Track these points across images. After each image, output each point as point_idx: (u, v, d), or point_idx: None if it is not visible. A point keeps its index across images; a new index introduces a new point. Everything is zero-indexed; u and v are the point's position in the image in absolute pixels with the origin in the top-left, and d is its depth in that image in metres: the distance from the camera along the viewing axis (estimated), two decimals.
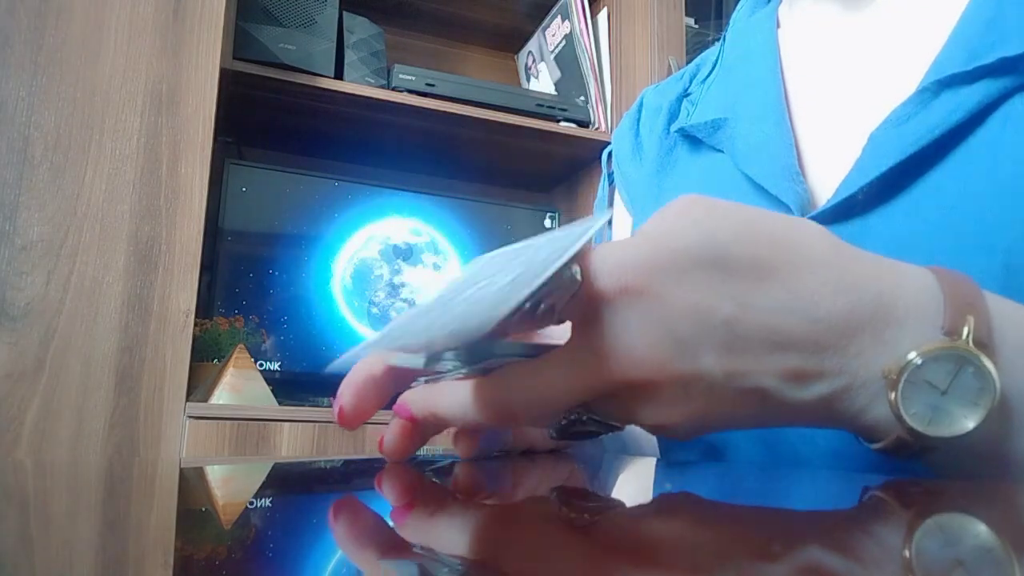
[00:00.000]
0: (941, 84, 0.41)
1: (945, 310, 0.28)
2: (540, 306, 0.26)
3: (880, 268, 0.29)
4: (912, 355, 0.27)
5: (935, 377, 0.27)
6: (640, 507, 0.26)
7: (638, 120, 0.62)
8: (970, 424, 0.27)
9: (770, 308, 0.27)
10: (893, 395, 0.27)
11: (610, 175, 0.63)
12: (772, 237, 0.28)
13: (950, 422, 0.27)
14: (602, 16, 1.81)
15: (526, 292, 0.25)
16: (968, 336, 0.27)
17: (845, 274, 0.28)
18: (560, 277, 0.26)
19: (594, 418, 0.30)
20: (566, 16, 1.78)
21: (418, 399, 0.34)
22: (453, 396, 0.31)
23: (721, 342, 0.27)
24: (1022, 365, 0.28)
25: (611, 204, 0.64)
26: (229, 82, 1.41)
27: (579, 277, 0.26)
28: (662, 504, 0.27)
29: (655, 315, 0.27)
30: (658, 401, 0.28)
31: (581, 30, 1.76)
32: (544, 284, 0.25)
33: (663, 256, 0.27)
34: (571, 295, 0.27)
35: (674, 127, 0.56)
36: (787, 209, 0.45)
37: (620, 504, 0.28)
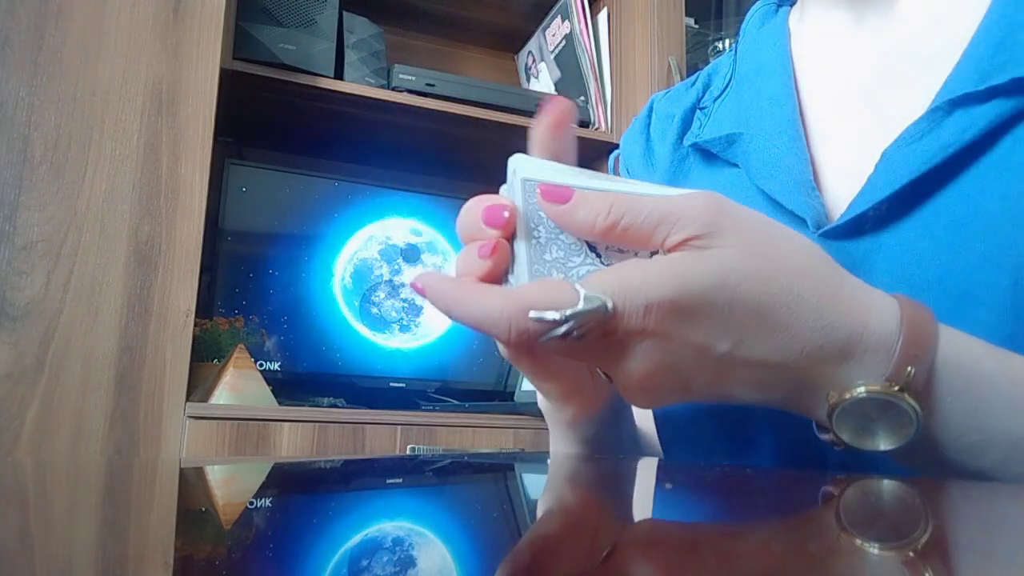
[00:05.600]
0: (953, 103, 0.41)
1: (895, 357, 0.32)
2: (573, 332, 0.30)
3: (855, 306, 0.32)
4: (857, 391, 0.32)
5: (868, 409, 0.32)
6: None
7: (648, 125, 0.62)
8: (887, 447, 0.32)
9: (758, 344, 0.31)
10: (831, 414, 0.32)
11: None
12: (774, 281, 0.31)
13: (873, 440, 0.33)
14: (602, 16, 1.81)
15: None
16: (905, 384, 0.31)
17: (825, 315, 0.32)
18: (596, 309, 0.30)
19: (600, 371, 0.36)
20: (566, 16, 1.78)
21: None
22: (485, 296, 0.31)
23: (712, 370, 0.32)
24: (953, 406, 0.33)
25: None
26: (229, 82, 1.41)
27: (611, 311, 0.30)
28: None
29: (662, 351, 0.31)
30: (644, 397, 0.34)
31: (581, 30, 1.75)
32: (580, 314, 0.30)
33: (681, 303, 0.30)
34: (601, 324, 0.30)
35: (687, 140, 0.56)
36: (803, 223, 0.45)
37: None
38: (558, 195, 0.32)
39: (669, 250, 0.32)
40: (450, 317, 0.31)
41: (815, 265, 0.32)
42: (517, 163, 0.34)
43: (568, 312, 0.29)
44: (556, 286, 0.30)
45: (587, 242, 0.33)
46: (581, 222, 0.32)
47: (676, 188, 0.37)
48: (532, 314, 0.30)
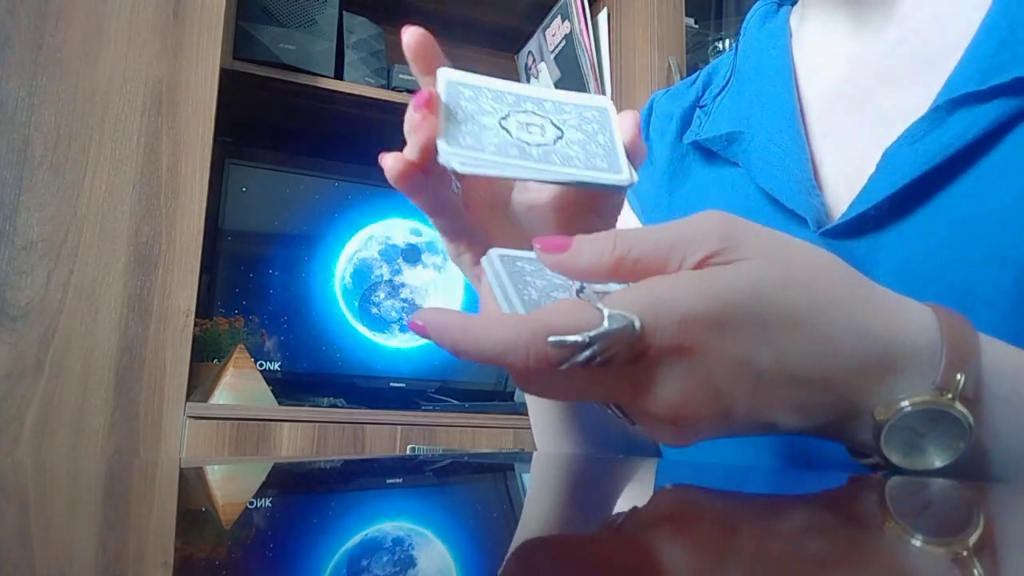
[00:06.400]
0: (955, 103, 0.41)
1: (941, 364, 0.30)
2: (598, 357, 0.27)
3: (892, 315, 0.31)
4: (904, 404, 0.30)
5: (917, 423, 0.30)
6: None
7: (648, 123, 0.62)
8: (938, 463, 0.30)
9: (799, 356, 0.29)
10: (878, 432, 0.30)
11: None
12: (808, 288, 0.29)
13: (923, 459, 0.30)
14: (602, 16, 1.81)
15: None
16: (956, 393, 0.29)
17: (863, 322, 0.30)
18: (623, 329, 0.27)
19: (615, 411, 0.32)
20: (566, 16, 1.78)
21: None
22: (496, 324, 0.28)
23: (753, 391, 0.29)
24: (1002, 414, 0.31)
25: None
26: (229, 82, 1.41)
27: (639, 329, 0.27)
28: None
29: (701, 370, 0.28)
30: (677, 432, 0.30)
31: (581, 30, 1.75)
32: (605, 335, 0.27)
33: (717, 314, 0.28)
34: (629, 345, 0.27)
35: (687, 138, 0.56)
36: (803, 222, 0.45)
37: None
38: (556, 245, 0.30)
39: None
40: (457, 353, 0.28)
41: (843, 274, 0.31)
42: (441, 72, 0.37)
43: (592, 334, 0.27)
44: (576, 306, 0.28)
45: None
46: (587, 264, 0.29)
47: (594, 97, 0.38)
48: (552, 339, 0.27)
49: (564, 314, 0.27)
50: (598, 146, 0.36)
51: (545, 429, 0.52)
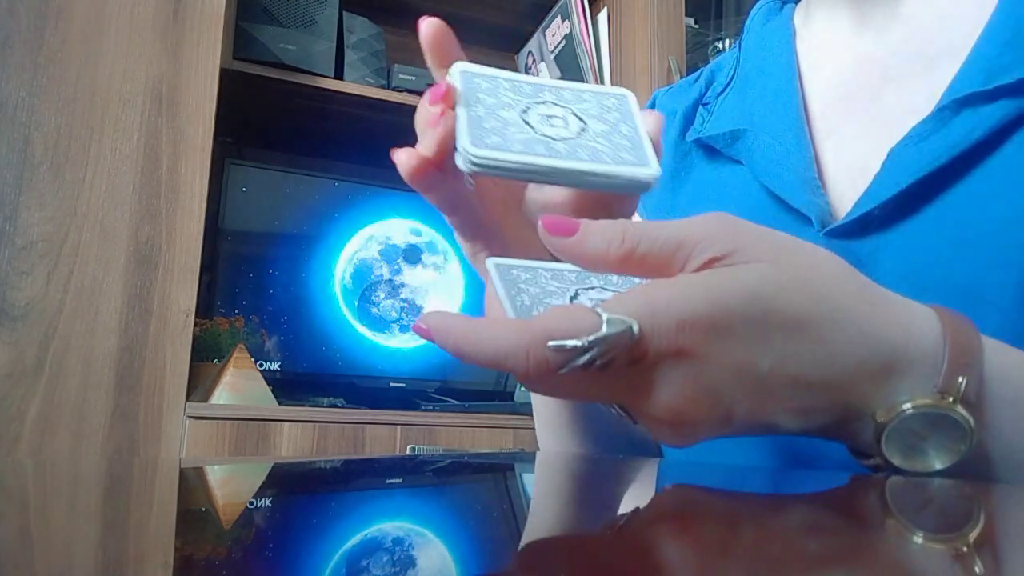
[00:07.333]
0: (960, 103, 0.41)
1: (943, 367, 0.30)
2: (597, 360, 0.27)
3: (895, 318, 0.31)
4: (905, 406, 0.30)
5: (918, 425, 0.30)
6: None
7: None
8: (939, 466, 0.30)
9: (801, 360, 0.29)
10: (879, 433, 0.30)
11: None
12: (811, 291, 0.29)
13: (924, 461, 0.30)
14: (602, 16, 1.81)
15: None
16: (957, 396, 0.29)
17: (866, 326, 0.30)
18: (621, 333, 0.27)
19: (619, 411, 0.32)
20: (566, 16, 1.78)
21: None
22: (498, 329, 0.28)
23: (754, 394, 0.29)
24: (1004, 417, 0.31)
25: None
26: (229, 82, 1.41)
27: (637, 333, 0.27)
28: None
29: (700, 373, 0.28)
30: (677, 433, 0.30)
31: (581, 30, 1.75)
32: (604, 339, 0.27)
33: (716, 318, 0.28)
34: (627, 349, 0.27)
35: (690, 136, 0.56)
36: (807, 221, 0.45)
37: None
38: (564, 228, 0.30)
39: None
40: (460, 356, 0.28)
41: (847, 276, 0.31)
42: (456, 64, 0.36)
43: (590, 338, 0.27)
44: (575, 312, 0.28)
45: None
46: (593, 252, 0.29)
47: (612, 87, 0.37)
48: (551, 343, 0.27)
49: (564, 319, 0.27)
50: (623, 137, 0.35)
51: (547, 426, 0.52)
